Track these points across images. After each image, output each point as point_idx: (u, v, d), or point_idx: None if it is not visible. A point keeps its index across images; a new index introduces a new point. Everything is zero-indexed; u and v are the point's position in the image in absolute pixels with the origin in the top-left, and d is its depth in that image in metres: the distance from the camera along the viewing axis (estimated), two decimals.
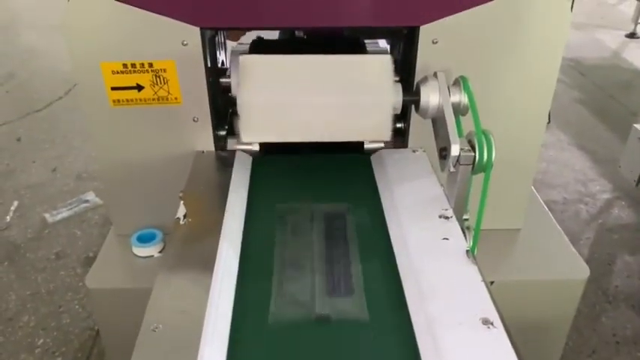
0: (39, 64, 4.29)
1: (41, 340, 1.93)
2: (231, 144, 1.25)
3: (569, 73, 4.17)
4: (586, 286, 1.32)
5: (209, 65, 1.17)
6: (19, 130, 3.35)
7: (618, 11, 5.79)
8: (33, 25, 5.08)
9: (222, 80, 1.22)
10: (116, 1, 1.08)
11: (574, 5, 1.29)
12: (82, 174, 2.89)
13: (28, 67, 4.27)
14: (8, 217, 2.57)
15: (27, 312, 2.04)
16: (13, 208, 2.63)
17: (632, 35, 5.00)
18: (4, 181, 2.85)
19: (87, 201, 2.66)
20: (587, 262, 1.32)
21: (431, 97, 1.09)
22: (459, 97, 1.08)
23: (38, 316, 2.03)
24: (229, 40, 1.62)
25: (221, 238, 0.95)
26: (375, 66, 1.12)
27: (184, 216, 1.02)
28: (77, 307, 2.07)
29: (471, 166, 0.99)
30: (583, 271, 1.30)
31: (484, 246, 1.08)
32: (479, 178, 1.01)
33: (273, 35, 1.69)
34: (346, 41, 1.52)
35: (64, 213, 2.58)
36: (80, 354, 1.88)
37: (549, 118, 1.37)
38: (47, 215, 2.56)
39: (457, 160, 0.99)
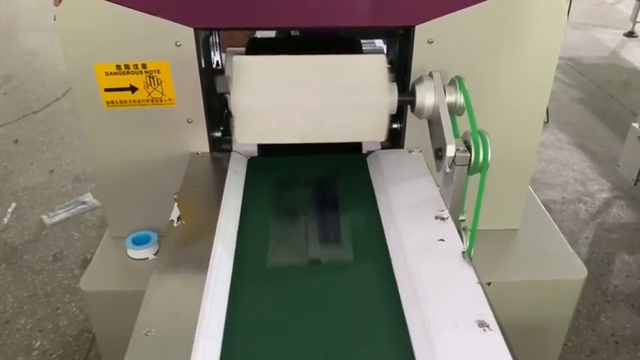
0: (36, 66, 4.28)
1: (38, 343, 1.92)
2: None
3: (568, 73, 4.17)
4: (585, 286, 1.31)
5: (203, 66, 1.17)
6: (16, 131, 3.35)
7: (617, 10, 5.78)
8: (31, 28, 5.07)
9: None
10: (109, 2, 1.07)
11: (572, 4, 1.28)
12: (79, 175, 2.89)
13: (26, 68, 4.25)
14: (6, 219, 2.56)
15: (24, 314, 2.04)
16: (10, 209, 2.63)
17: (630, 34, 4.99)
18: (2, 183, 2.84)
19: (84, 203, 2.65)
20: (587, 261, 1.32)
21: (426, 97, 1.09)
22: (455, 97, 1.08)
23: (35, 319, 2.02)
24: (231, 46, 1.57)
25: (215, 240, 0.94)
26: (370, 66, 1.11)
27: (178, 218, 1.01)
28: (74, 309, 2.06)
29: (467, 166, 0.98)
30: (581, 271, 1.29)
31: (481, 246, 1.07)
32: (476, 178, 1.00)
33: (269, 35, 1.68)
34: (342, 41, 1.51)
35: (62, 215, 2.57)
36: (77, 356, 1.87)
37: (547, 117, 1.36)
38: (45, 217, 2.55)
39: (453, 161, 0.98)
